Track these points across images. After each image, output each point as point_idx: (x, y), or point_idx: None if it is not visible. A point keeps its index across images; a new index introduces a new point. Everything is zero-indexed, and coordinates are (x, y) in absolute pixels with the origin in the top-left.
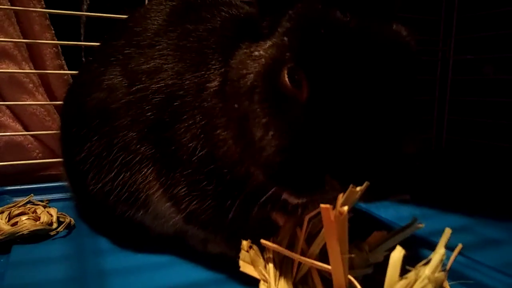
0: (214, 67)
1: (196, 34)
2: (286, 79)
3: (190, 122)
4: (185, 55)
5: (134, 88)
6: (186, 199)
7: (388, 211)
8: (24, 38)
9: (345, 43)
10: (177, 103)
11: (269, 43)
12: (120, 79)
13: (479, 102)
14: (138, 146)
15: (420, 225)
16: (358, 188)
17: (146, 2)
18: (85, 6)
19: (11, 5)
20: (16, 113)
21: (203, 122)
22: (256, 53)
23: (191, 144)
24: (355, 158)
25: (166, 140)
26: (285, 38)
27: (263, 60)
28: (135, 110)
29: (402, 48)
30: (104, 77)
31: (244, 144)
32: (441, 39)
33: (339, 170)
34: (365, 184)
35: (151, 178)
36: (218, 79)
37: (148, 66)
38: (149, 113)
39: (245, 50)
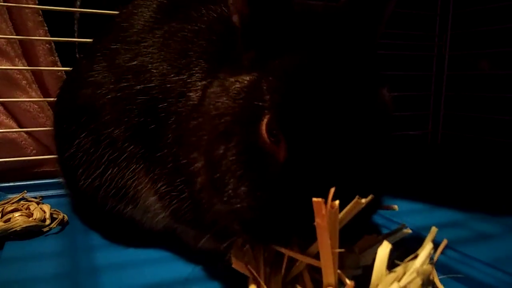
0: (197, 74)
1: (182, 34)
2: (265, 135)
3: (173, 126)
4: (169, 55)
5: (119, 85)
6: (167, 197)
7: None
8: (17, 35)
9: (326, 106)
10: (160, 106)
11: (248, 79)
12: (106, 74)
13: (475, 97)
14: (125, 144)
15: (408, 231)
16: (363, 200)
17: None
18: (78, 3)
19: (4, 1)
20: (10, 110)
21: (180, 132)
22: (235, 88)
23: (168, 147)
24: None
25: (151, 140)
26: (267, 96)
27: (241, 101)
28: (120, 108)
29: (382, 112)
30: (92, 73)
31: (211, 186)
32: (437, 35)
33: (306, 235)
34: (370, 197)
35: (140, 175)
36: (198, 92)
37: (133, 63)
38: (133, 114)
39: (223, 81)
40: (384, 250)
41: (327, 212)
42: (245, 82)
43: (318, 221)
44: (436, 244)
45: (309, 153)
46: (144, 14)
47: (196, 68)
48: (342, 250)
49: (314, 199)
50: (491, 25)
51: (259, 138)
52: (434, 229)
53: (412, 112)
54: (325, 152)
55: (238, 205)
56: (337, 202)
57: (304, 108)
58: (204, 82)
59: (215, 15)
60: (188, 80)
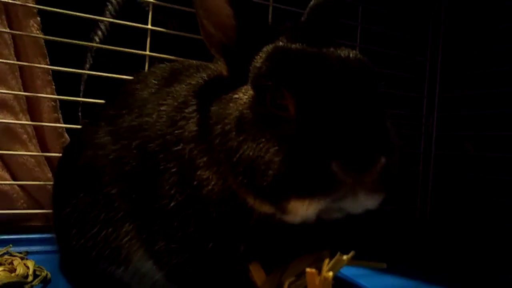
0: (191, 115)
1: (175, 93)
2: (273, 100)
3: (167, 174)
4: (163, 112)
5: (119, 145)
6: (166, 254)
7: (370, 280)
8: (25, 91)
9: (314, 61)
10: (155, 158)
11: (245, 87)
12: (108, 137)
13: (462, 176)
14: (120, 203)
15: None
16: (344, 257)
17: (147, 66)
18: (87, 65)
19: (17, 60)
20: (6, 162)
21: (180, 169)
22: (236, 96)
23: (168, 193)
24: (355, 139)
25: (145, 194)
26: (262, 69)
27: (245, 98)
28: (117, 167)
29: (361, 59)
30: (95, 136)
31: (242, 175)
32: (424, 115)
33: (345, 152)
34: (351, 253)
35: (132, 235)
36: (193, 127)
37: (133, 124)
38: (128, 168)
39: (223, 96)
40: None
41: (320, 283)
42: (243, 89)
43: None
44: None
45: (316, 100)
46: (149, 83)
47: (186, 114)
48: None
49: (308, 269)
50: (475, 109)
51: (269, 107)
52: None
53: (401, 187)
54: (328, 97)
55: (273, 166)
56: (330, 273)
57: (298, 68)
58: (198, 116)
59: (204, 76)
60: (182, 128)
